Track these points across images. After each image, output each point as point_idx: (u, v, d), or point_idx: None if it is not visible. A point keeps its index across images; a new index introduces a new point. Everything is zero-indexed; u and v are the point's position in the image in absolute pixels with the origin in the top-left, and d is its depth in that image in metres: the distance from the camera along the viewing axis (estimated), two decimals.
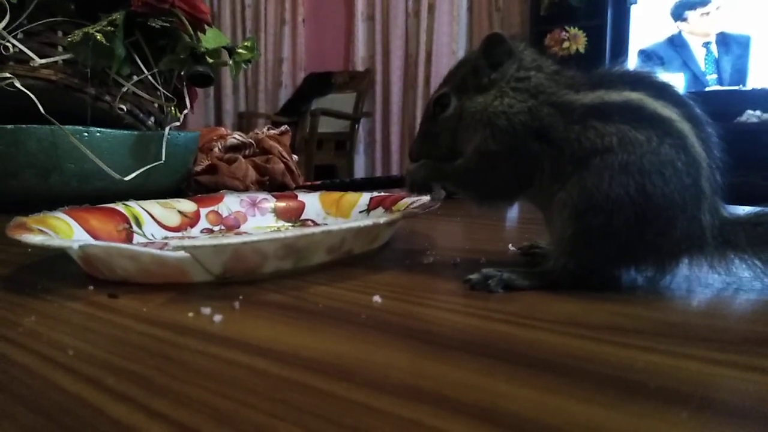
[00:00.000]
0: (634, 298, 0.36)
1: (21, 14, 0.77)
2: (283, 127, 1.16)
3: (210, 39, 0.87)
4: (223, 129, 1.16)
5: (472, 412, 0.21)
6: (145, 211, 0.56)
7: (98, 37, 0.73)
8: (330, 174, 3.50)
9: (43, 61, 0.77)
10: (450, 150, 0.43)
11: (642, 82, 0.38)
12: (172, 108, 0.93)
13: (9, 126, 0.75)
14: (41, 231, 0.41)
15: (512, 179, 0.40)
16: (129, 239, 0.52)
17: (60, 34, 0.80)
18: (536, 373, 0.25)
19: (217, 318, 0.32)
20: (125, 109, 0.83)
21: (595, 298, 0.35)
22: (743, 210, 0.40)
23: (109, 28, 0.74)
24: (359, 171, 3.74)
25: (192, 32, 0.81)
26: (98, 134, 0.78)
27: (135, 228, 0.53)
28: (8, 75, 0.74)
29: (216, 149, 1.08)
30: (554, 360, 0.26)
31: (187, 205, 0.60)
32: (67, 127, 0.76)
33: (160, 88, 0.85)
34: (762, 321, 0.32)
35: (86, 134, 0.77)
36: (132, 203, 0.56)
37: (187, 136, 0.92)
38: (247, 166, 1.03)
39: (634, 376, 0.24)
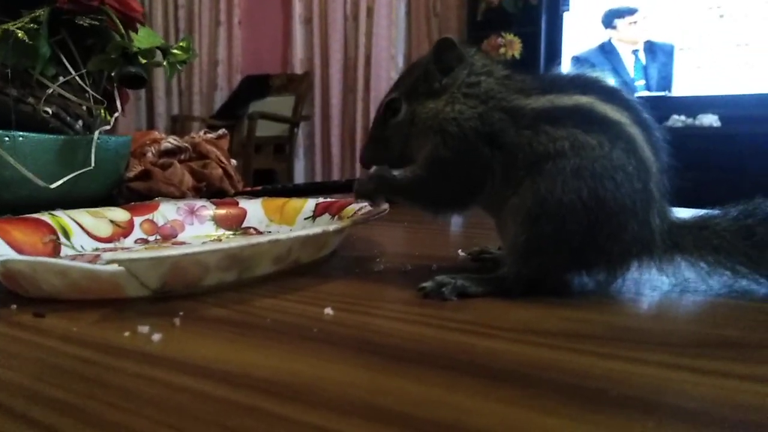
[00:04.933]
0: (586, 303, 0.36)
1: None
2: (220, 131, 1.13)
3: (143, 38, 0.83)
4: (156, 133, 1.11)
5: (436, 430, 0.20)
6: (74, 221, 0.52)
7: (20, 34, 0.68)
8: (269, 179, 3.44)
9: None
10: (401, 155, 0.42)
11: (592, 86, 0.38)
12: (102, 111, 0.88)
13: None
14: None
15: (464, 185, 0.39)
16: (56, 252, 0.48)
17: None
18: (498, 385, 0.24)
19: (156, 337, 0.29)
20: (51, 112, 0.78)
21: (548, 303, 0.35)
22: (688, 213, 0.41)
23: (32, 25, 0.69)
24: (299, 175, 3.69)
25: (123, 31, 0.77)
26: (21, 138, 0.73)
27: (63, 240, 0.50)
28: None
29: (150, 154, 1.04)
30: (515, 370, 0.25)
31: (119, 214, 0.57)
32: None
33: (88, 89, 0.80)
34: (709, 322, 0.32)
35: (7, 138, 0.72)
36: (59, 213, 0.52)
37: (118, 141, 0.87)
38: (183, 172, 0.99)
39: (594, 384, 0.24)
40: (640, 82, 2.91)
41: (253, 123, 3.27)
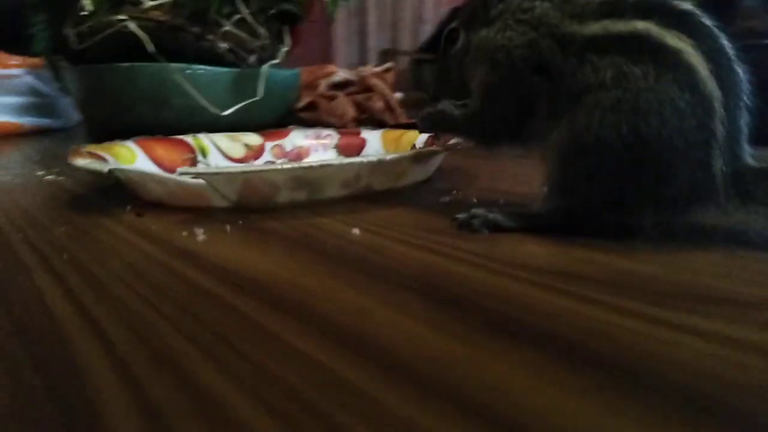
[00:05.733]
0: (615, 246, 0.33)
1: None
2: (387, 65, 1.18)
3: None
4: (331, 66, 1.19)
5: (338, 332, 0.23)
6: (212, 142, 0.61)
7: None
8: None
9: (153, 3, 0.85)
10: (462, 85, 0.42)
11: (658, 9, 0.34)
12: (281, 46, 0.98)
13: (124, 64, 0.84)
14: (99, 156, 0.47)
15: (515, 114, 0.38)
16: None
17: None
18: (436, 307, 0.25)
19: (201, 238, 0.35)
20: (227, 48, 0.89)
21: (576, 244, 0.34)
22: None
23: None
24: None
25: None
26: (201, 71, 0.85)
27: (200, 158, 0.59)
28: (124, 17, 0.83)
29: (321, 86, 1.13)
30: (468, 297, 0.26)
31: (253, 139, 0.65)
32: (173, 64, 0.84)
33: (257, 26, 0.90)
34: (737, 281, 0.29)
35: (189, 71, 0.84)
36: (202, 135, 0.61)
37: (285, 74, 0.97)
38: (346, 104, 1.06)
39: (533, 319, 0.24)
40: None
41: None
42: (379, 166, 0.45)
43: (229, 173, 0.41)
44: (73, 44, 0.89)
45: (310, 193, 0.44)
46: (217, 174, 0.41)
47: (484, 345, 0.22)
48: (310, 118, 1.03)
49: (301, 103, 1.05)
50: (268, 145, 0.65)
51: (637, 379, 0.19)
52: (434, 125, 0.44)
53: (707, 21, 0.34)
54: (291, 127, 0.71)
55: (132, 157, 0.52)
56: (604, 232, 0.35)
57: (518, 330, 0.23)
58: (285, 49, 0.97)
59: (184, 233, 0.37)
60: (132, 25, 0.83)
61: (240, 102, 0.87)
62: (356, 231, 0.37)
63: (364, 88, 1.12)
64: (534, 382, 0.19)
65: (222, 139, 0.62)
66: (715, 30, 0.34)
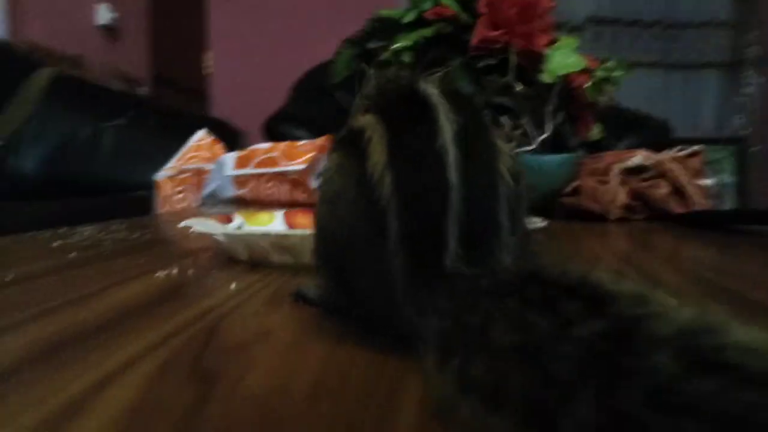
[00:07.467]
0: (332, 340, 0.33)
1: None
2: (694, 148, 1.03)
3: (560, 66, 0.93)
4: (639, 150, 1.12)
5: None
6: None
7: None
8: None
9: None
10: None
11: (396, 98, 0.33)
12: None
13: None
14: (229, 219, 0.67)
15: None
16: None
17: None
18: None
19: (160, 274, 0.50)
20: None
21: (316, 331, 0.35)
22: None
23: (441, 72, 0.92)
24: None
25: (520, 65, 0.89)
26: None
27: None
28: None
29: (614, 171, 1.07)
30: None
31: None
32: None
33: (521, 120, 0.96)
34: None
35: None
36: None
37: (543, 159, 0.99)
38: (617, 189, 0.99)
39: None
40: None
41: None
42: None
43: (234, 236, 0.55)
44: None
45: (294, 257, 0.53)
46: (230, 234, 0.55)
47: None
48: (571, 204, 1.01)
49: (568, 188, 1.03)
50: None
51: None
52: None
53: (440, 106, 0.31)
54: None
55: (268, 221, 0.70)
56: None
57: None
58: (544, 135, 0.99)
59: (166, 270, 0.52)
60: None
61: None
62: (233, 286, 0.45)
63: (659, 173, 1.02)
64: None
65: None
66: (442, 116, 0.30)
